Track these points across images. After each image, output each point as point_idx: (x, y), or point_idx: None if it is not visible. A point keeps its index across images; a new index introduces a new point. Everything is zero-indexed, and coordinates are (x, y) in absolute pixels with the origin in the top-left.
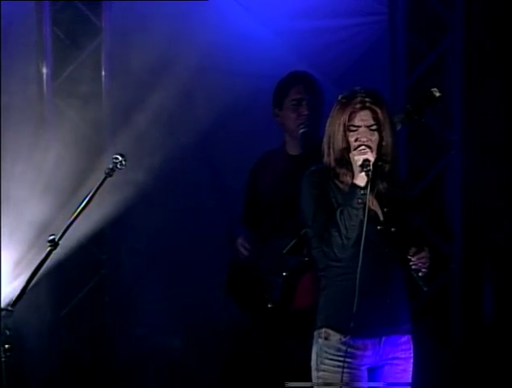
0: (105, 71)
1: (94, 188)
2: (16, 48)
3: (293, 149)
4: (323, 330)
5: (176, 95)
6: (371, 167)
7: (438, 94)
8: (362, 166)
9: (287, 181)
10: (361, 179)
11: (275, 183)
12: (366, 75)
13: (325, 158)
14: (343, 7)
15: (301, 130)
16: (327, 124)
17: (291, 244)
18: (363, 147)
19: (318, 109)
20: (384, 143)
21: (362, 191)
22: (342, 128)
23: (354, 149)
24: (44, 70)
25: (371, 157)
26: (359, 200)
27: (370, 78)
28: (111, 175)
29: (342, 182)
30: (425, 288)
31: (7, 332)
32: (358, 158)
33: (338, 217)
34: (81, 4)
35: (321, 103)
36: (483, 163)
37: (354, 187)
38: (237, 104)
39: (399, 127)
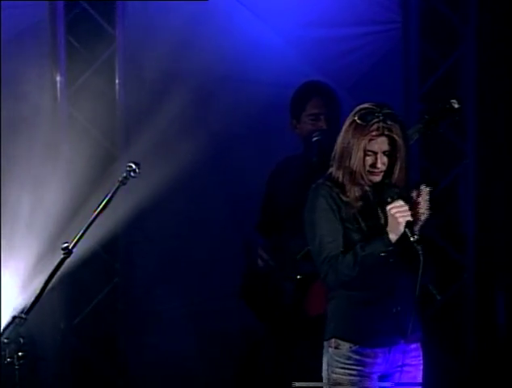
0: (119, 79)
1: (108, 196)
2: (30, 56)
3: None
4: (333, 340)
5: (190, 104)
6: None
7: (457, 106)
8: (406, 228)
9: (306, 186)
10: (394, 235)
11: (294, 188)
12: (379, 84)
13: (334, 171)
14: (356, 16)
15: (314, 138)
16: (341, 138)
17: (305, 250)
18: (404, 210)
19: (336, 122)
20: (397, 169)
21: (390, 248)
22: (362, 154)
23: (391, 207)
24: (58, 78)
25: (410, 216)
26: (382, 254)
27: (382, 86)
28: (124, 183)
29: (347, 196)
30: (438, 297)
31: (21, 340)
32: (401, 221)
33: (360, 258)
34: (95, 12)
35: (339, 115)
36: (496, 173)
37: (387, 239)
38: (252, 113)
39: (416, 137)
